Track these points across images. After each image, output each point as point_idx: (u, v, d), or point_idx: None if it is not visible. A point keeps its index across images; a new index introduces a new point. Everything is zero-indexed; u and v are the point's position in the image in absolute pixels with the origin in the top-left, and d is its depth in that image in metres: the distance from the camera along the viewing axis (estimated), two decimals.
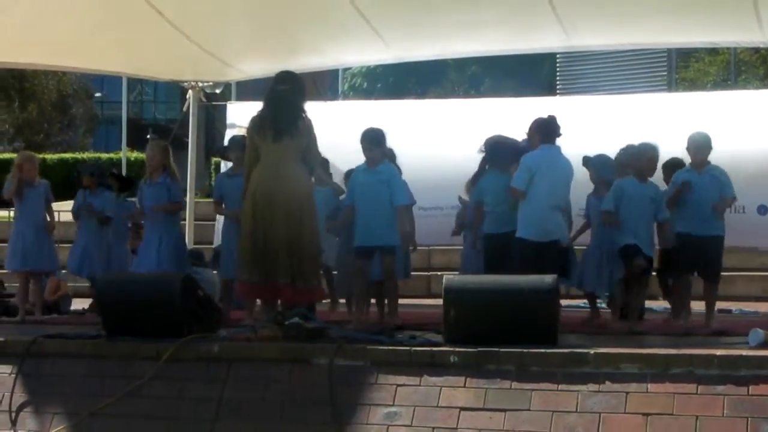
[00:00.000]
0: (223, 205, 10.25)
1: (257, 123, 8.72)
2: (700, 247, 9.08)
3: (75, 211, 11.32)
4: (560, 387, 6.88)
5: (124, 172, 19.89)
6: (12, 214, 11.15)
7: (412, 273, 10.98)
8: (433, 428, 6.91)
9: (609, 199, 9.10)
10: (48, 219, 10.83)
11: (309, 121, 8.69)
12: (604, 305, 9.89)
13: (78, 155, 31.35)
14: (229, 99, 17.01)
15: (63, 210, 12.16)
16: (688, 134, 9.42)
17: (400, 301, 9.90)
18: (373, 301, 9.85)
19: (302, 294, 8.55)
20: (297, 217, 8.48)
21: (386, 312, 9.57)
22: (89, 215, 11.17)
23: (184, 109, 14.50)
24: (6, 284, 11.95)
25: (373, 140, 9.26)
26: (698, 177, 9.20)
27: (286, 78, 8.84)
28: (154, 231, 10.20)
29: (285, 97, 8.68)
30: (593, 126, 12.59)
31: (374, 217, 9.13)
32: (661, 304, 10.97)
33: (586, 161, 9.78)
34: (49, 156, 29.64)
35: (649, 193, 9.06)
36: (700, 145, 9.29)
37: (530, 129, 9.38)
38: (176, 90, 31.38)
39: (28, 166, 10.71)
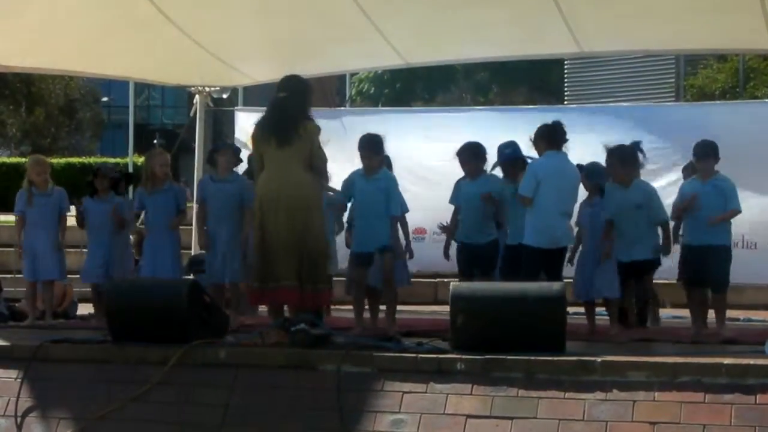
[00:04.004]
0: (207, 210, 10.11)
1: (260, 130, 8.71)
2: (702, 258, 9.04)
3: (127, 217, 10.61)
4: (567, 395, 6.88)
5: None
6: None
7: (420, 280, 10.97)
8: None
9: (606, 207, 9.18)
10: (60, 229, 10.57)
11: (313, 125, 8.63)
12: (604, 312, 9.90)
13: (85, 160, 31.40)
14: (236, 104, 17.03)
15: (70, 215, 12.06)
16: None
17: (408, 307, 9.87)
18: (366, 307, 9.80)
19: (309, 298, 8.51)
20: (302, 221, 8.43)
21: (386, 320, 9.46)
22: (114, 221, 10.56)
23: (191, 114, 14.50)
24: (4, 288, 11.85)
25: (375, 147, 9.22)
26: (701, 187, 9.16)
27: (285, 84, 8.79)
28: (165, 238, 10.20)
29: (283, 103, 8.66)
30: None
31: (372, 225, 9.08)
32: (668, 312, 10.96)
33: (578, 169, 9.74)
34: (56, 160, 29.65)
35: (634, 198, 9.03)
36: (702, 154, 9.25)
37: (535, 136, 9.34)
38: (183, 95, 31.38)
39: (35, 170, 10.62)
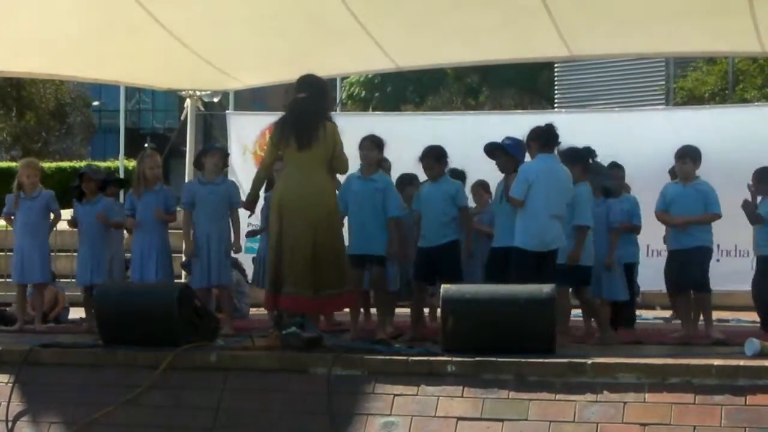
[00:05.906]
0: (193, 213, 9.96)
1: (279, 131, 8.61)
2: (683, 261, 9.19)
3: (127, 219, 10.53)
4: (558, 396, 6.89)
5: None
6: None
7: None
8: None
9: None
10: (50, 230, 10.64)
11: (333, 126, 8.53)
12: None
13: (76, 164, 31.33)
14: (227, 108, 17.03)
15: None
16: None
17: (399, 311, 9.85)
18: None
19: (328, 304, 8.48)
20: (324, 226, 8.37)
21: (377, 324, 9.42)
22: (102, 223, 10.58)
23: (182, 117, 14.50)
24: None
25: (376, 143, 9.22)
26: (682, 190, 9.27)
27: (304, 84, 8.67)
28: (155, 239, 10.15)
29: (303, 104, 8.55)
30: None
31: (369, 226, 9.05)
32: (659, 314, 10.98)
33: None
34: (47, 164, 29.60)
35: (601, 210, 9.20)
36: (681, 157, 9.36)
37: (528, 138, 9.33)
38: (174, 99, 31.44)
39: (25, 172, 10.61)
